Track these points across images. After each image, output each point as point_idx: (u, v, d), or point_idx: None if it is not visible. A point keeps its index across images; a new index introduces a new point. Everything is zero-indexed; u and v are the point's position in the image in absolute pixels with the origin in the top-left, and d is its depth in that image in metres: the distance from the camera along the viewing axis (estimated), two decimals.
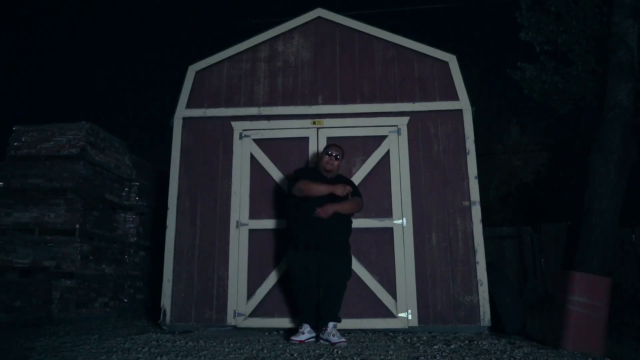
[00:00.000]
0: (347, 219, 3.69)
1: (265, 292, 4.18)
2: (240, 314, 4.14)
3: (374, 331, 3.97)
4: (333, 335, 3.35)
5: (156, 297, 4.55)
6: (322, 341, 3.39)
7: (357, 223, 4.21)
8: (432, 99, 4.51)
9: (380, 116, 4.49)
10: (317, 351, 2.97)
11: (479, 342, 3.38)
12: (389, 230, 4.23)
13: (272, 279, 4.19)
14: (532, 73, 7.65)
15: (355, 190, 3.77)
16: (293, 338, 3.39)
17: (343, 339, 3.34)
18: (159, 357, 2.73)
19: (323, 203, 3.54)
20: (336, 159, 3.76)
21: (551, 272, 7.89)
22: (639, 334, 4.76)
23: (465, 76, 4.57)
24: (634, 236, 7.88)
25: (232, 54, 4.75)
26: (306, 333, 3.43)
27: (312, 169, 3.94)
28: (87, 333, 3.71)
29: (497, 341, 3.48)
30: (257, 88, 4.67)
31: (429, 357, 2.85)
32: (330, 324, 3.43)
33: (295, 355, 2.85)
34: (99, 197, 5.07)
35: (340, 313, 3.56)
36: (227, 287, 4.21)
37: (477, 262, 4.11)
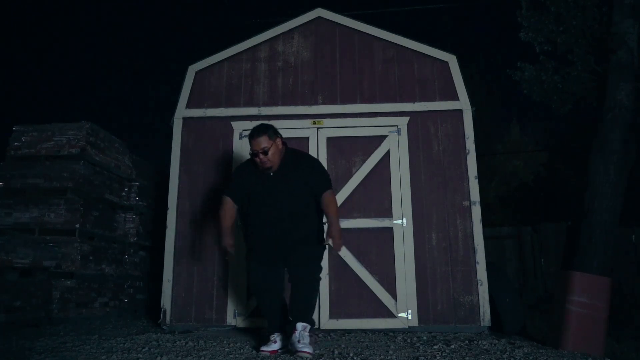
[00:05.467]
0: (312, 212, 3.03)
1: None
2: (240, 314, 4.14)
3: (374, 331, 3.97)
4: (299, 341, 2.72)
5: (156, 297, 4.55)
6: (289, 346, 2.81)
7: (357, 223, 4.22)
8: (432, 99, 4.51)
9: (380, 116, 4.49)
10: (317, 351, 2.97)
11: (479, 342, 3.38)
12: (389, 230, 4.23)
13: None
14: (532, 73, 7.66)
15: (323, 179, 3.03)
16: (263, 348, 2.87)
17: (308, 349, 2.69)
18: (159, 357, 2.73)
19: (271, 199, 2.92)
20: (265, 153, 2.87)
21: (551, 272, 7.89)
22: (639, 334, 4.76)
23: (465, 76, 4.57)
24: (634, 236, 7.89)
25: (232, 54, 4.75)
26: (278, 342, 2.93)
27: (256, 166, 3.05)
28: (87, 333, 3.71)
29: (497, 341, 3.48)
30: (257, 88, 4.67)
31: (429, 357, 2.85)
32: (299, 325, 2.80)
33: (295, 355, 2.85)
34: (99, 197, 5.07)
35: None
36: (227, 287, 4.21)
37: (477, 262, 4.11)
